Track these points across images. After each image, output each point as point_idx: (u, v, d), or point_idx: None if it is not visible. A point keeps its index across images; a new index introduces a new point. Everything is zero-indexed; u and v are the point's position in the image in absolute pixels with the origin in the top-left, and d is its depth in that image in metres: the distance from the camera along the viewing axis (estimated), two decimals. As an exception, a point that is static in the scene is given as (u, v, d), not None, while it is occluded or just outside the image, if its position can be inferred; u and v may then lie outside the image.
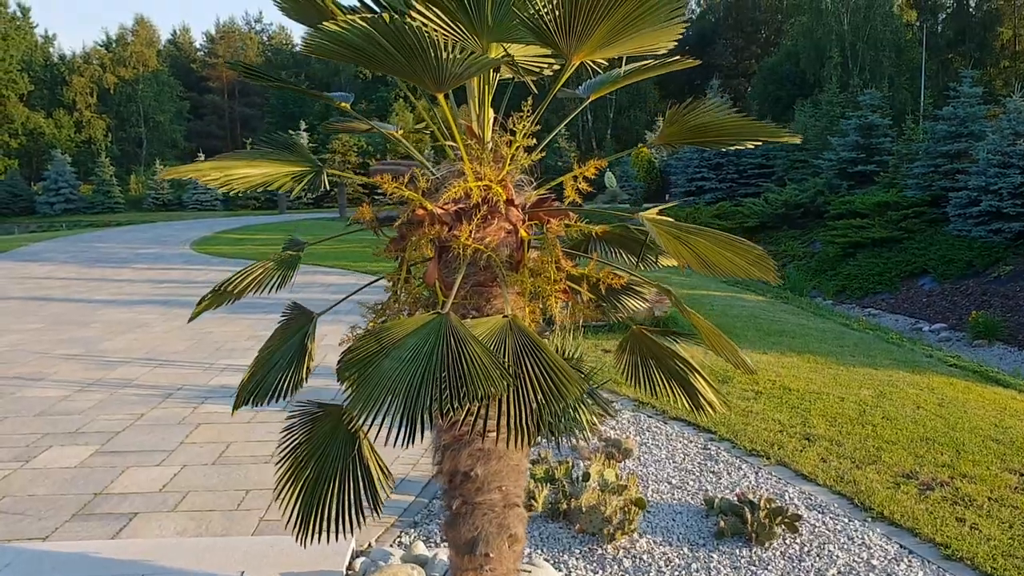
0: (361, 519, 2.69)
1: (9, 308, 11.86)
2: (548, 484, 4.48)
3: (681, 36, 2.69)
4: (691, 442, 5.57)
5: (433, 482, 4.72)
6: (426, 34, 2.18)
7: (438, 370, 2.21)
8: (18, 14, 75.75)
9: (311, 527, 2.71)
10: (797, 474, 4.96)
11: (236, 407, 2.89)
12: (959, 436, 5.69)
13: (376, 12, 2.75)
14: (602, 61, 3.14)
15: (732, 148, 3.07)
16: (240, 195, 49.50)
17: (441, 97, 2.54)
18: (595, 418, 4.44)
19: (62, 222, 48.52)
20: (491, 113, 2.91)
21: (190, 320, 3.03)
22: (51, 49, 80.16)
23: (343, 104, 3.04)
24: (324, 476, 2.74)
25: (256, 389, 2.83)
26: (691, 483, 4.86)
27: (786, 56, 53.01)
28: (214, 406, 6.46)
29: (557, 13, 2.41)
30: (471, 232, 2.66)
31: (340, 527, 2.69)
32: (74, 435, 5.79)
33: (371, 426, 2.24)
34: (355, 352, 2.36)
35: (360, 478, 2.70)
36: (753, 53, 65.91)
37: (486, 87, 2.81)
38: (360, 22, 2.13)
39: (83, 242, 25.64)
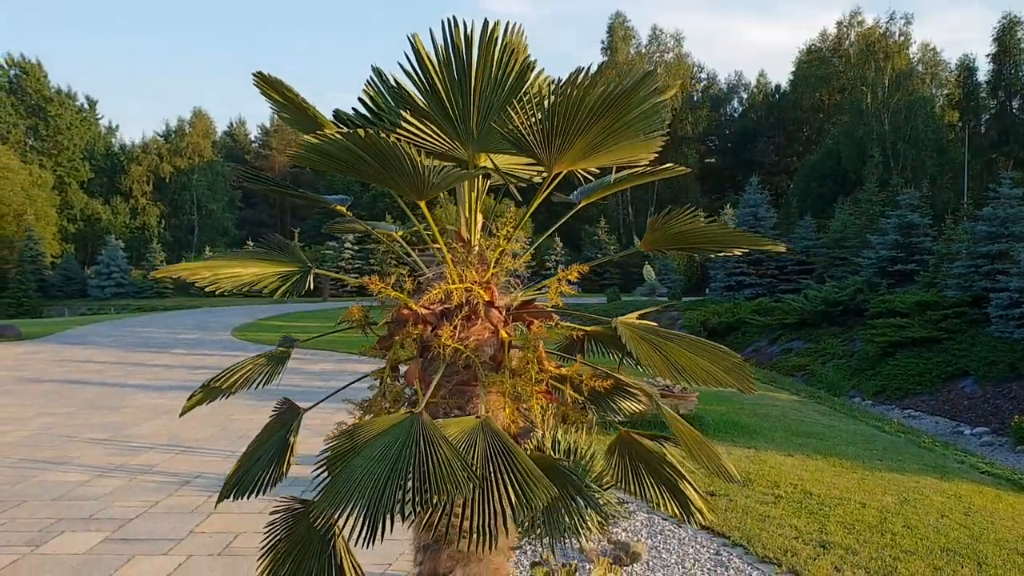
0: (334, 619, 2.68)
1: (45, 391, 12.11)
2: (547, 587, 4.41)
3: (660, 149, 2.77)
4: (704, 547, 5.45)
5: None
6: (401, 147, 2.28)
7: (404, 470, 2.24)
8: (85, 106, 79.20)
9: (286, 625, 2.71)
10: (808, 584, 4.83)
11: (219, 500, 2.94)
12: (983, 548, 5.50)
13: (369, 124, 2.88)
14: (594, 169, 3.23)
15: (720, 255, 3.12)
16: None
17: (423, 205, 2.64)
18: (592, 523, 4.39)
19: (111, 305, 49.69)
20: (480, 218, 3.00)
21: (181, 415, 3.10)
22: (113, 139, 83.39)
23: (340, 207, 3.16)
24: (301, 574, 2.75)
25: (239, 483, 2.87)
26: (697, 590, 4.76)
27: (827, 154, 53.35)
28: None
29: (535, 128, 2.50)
30: (453, 332, 2.72)
31: (314, 626, 2.68)
32: (87, 521, 5.84)
33: (345, 525, 2.27)
34: (331, 449, 2.42)
35: (334, 577, 2.70)
36: (795, 151, 66.42)
37: (473, 194, 2.91)
38: (338, 136, 2.24)
39: (127, 326, 26.20)
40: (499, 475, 2.35)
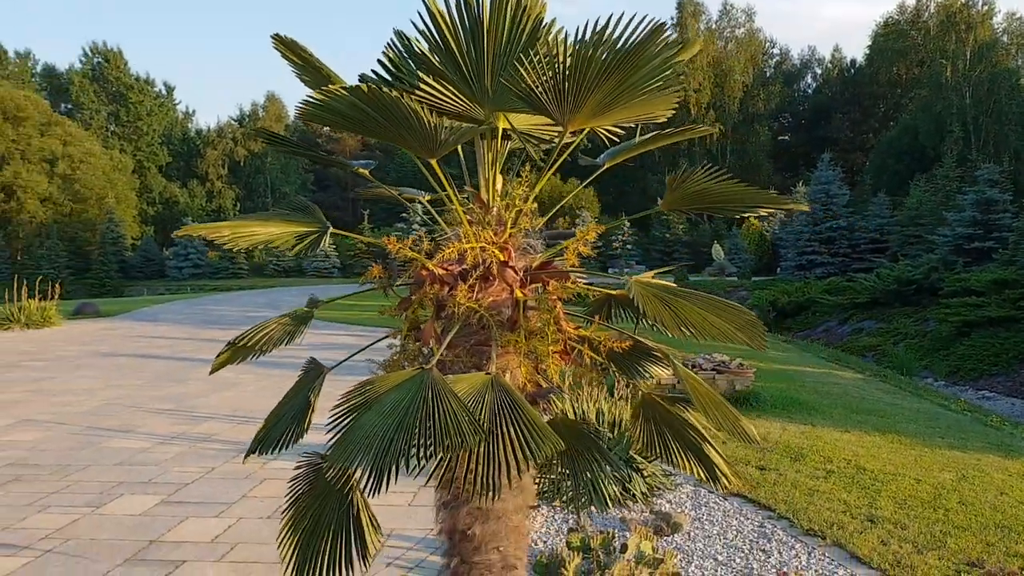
0: (351, 571, 2.75)
1: (118, 364, 12.55)
2: (582, 553, 4.43)
3: (677, 106, 2.73)
4: (748, 519, 5.40)
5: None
6: (405, 102, 2.30)
7: (412, 424, 2.27)
8: (163, 92, 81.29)
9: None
10: (852, 556, 4.74)
11: (247, 456, 3.03)
12: (1042, 526, 5.33)
13: (389, 86, 2.90)
14: (617, 129, 3.20)
15: (745, 216, 3.07)
16: (354, 263, 51.26)
17: (435, 163, 2.66)
18: (636, 492, 4.38)
19: (188, 285, 51.15)
20: (499, 180, 3.01)
21: (211, 373, 3.19)
22: (189, 124, 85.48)
23: (362, 171, 3.20)
24: (320, 526, 2.82)
25: (263, 440, 2.96)
26: (738, 560, 4.71)
27: (904, 130, 51.71)
28: (284, 462, 6.62)
29: (546, 86, 2.49)
30: (468, 292, 2.74)
31: (332, 577, 2.75)
32: (146, 485, 6.06)
33: (361, 479, 2.31)
34: (344, 405, 2.47)
35: (352, 531, 2.76)
36: (871, 127, 64.54)
37: (491, 155, 2.91)
38: (342, 91, 2.27)
39: (200, 305, 26.93)
40: (506, 429, 2.37)
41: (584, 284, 3.05)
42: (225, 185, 77.89)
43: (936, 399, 11.63)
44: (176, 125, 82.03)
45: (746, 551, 4.85)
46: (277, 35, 2.71)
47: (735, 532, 5.17)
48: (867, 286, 24.93)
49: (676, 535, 5.10)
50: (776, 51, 74.29)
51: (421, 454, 2.24)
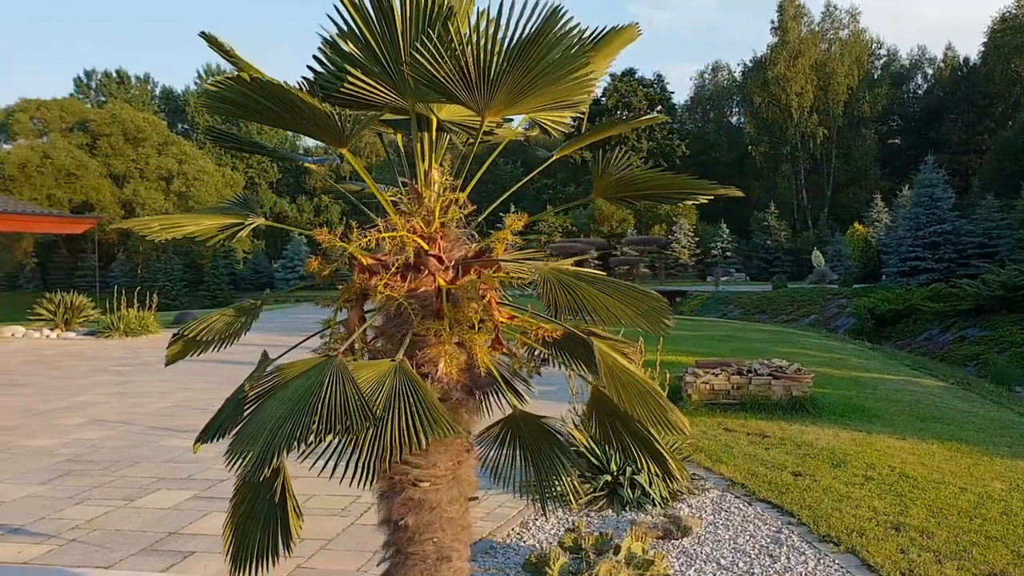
0: (275, 558, 2.80)
1: (194, 369, 13.01)
2: (571, 553, 4.37)
3: (591, 94, 2.69)
4: (766, 524, 5.23)
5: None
6: (293, 92, 2.35)
7: (303, 410, 2.31)
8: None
9: (240, 560, 2.86)
10: (863, 564, 4.54)
11: (195, 444, 3.13)
12: (1090, 539, 4.98)
13: (327, 81, 2.96)
14: (563, 119, 3.19)
15: (683, 204, 2.99)
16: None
17: (346, 152, 2.69)
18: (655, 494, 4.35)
19: (294, 296, 52.77)
20: (435, 172, 3.02)
21: (166, 365, 3.31)
22: (298, 142, 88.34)
23: (309, 165, 3.27)
24: (255, 512, 2.89)
25: (207, 430, 3.05)
26: (741, 565, 4.57)
27: (1022, 130, 49.06)
28: (321, 460, 6.78)
29: (454, 76, 2.50)
30: (391, 280, 2.76)
31: (261, 563, 2.82)
32: (184, 480, 6.29)
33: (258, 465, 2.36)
34: (255, 390, 2.53)
35: (277, 519, 2.82)
36: (986, 128, 61.44)
37: (418, 145, 2.93)
38: (231, 81, 2.34)
39: (294, 314, 27.72)
40: (398, 414, 2.38)
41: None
42: (332, 200, 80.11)
43: (1019, 408, 10.99)
44: (286, 142, 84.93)
45: (753, 556, 4.71)
46: (203, 33, 2.79)
47: (748, 537, 5.02)
48: (971, 292, 23.75)
49: (685, 539, 4.98)
50: (883, 52, 71.79)
51: (304, 443, 2.28)
